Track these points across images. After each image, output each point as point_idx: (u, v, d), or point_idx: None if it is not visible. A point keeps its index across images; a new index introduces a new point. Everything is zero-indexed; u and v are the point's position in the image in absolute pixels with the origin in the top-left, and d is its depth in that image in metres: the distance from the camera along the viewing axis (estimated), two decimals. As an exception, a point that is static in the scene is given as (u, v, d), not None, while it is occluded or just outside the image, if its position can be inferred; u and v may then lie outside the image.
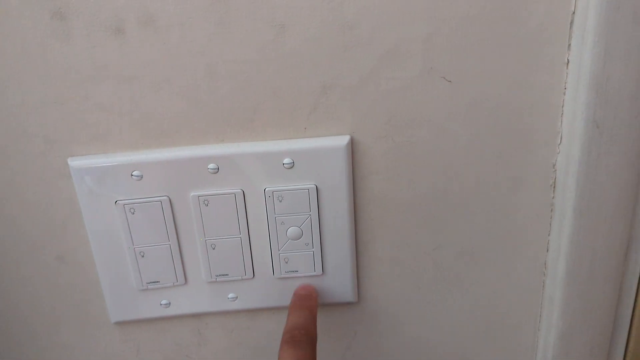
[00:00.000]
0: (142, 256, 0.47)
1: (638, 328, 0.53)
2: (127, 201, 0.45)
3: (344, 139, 0.44)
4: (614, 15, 0.40)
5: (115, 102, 0.42)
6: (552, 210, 0.49)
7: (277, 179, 0.45)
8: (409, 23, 0.41)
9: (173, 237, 0.46)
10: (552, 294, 0.51)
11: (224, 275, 0.48)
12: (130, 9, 0.40)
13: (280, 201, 0.45)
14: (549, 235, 0.50)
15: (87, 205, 0.45)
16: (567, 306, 0.50)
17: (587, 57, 0.42)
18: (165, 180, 0.44)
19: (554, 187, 0.48)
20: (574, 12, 0.42)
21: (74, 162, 0.44)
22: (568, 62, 0.44)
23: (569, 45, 0.43)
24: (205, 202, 0.45)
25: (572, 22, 0.42)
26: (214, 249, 0.47)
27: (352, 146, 0.45)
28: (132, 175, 0.44)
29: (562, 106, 0.45)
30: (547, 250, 0.50)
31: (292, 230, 0.46)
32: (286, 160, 0.44)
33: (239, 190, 0.45)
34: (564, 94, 0.45)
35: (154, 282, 0.48)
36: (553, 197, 0.48)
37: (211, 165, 0.44)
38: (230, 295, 0.49)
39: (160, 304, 0.49)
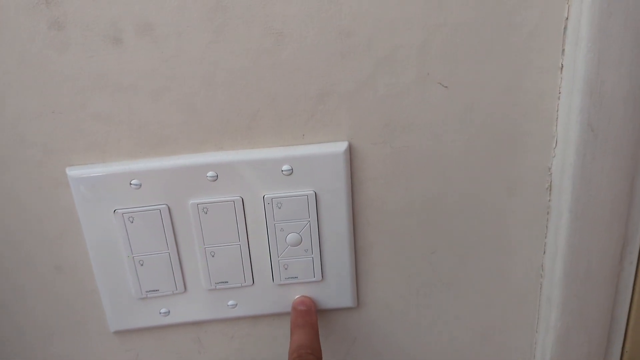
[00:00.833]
0: (142, 265, 0.47)
1: (634, 328, 0.54)
2: (125, 210, 0.45)
3: (342, 145, 0.44)
4: (607, 20, 0.40)
5: (113, 111, 0.43)
6: (548, 213, 0.49)
7: (276, 185, 0.45)
8: (404, 30, 0.42)
9: (172, 245, 0.46)
10: (549, 295, 0.51)
11: (223, 282, 0.48)
12: (128, 18, 0.40)
13: (280, 208, 0.45)
14: (545, 237, 0.50)
15: (86, 215, 0.45)
16: (565, 307, 0.50)
17: (581, 62, 0.42)
18: (164, 189, 0.44)
19: (550, 190, 0.48)
20: (567, 18, 0.43)
21: (72, 172, 0.44)
22: (562, 67, 0.44)
23: (563, 50, 0.44)
24: (205, 209, 0.45)
25: (565, 28, 0.43)
26: (213, 256, 0.47)
27: (350, 152, 0.45)
28: (130, 184, 0.44)
29: (557, 110, 0.45)
30: (544, 253, 0.51)
31: (292, 237, 0.47)
32: (285, 167, 0.44)
33: (238, 197, 0.45)
34: (559, 98, 0.45)
35: (154, 290, 0.48)
36: (549, 200, 0.49)
37: (210, 173, 0.44)
38: (230, 303, 0.49)
39: (160, 313, 0.49)
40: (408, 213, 0.48)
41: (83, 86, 0.42)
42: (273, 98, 0.43)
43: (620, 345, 0.55)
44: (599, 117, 0.43)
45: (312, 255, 0.47)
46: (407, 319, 0.52)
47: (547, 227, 0.50)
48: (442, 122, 0.45)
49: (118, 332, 0.50)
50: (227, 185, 0.45)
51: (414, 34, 0.42)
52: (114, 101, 0.42)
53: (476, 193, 0.48)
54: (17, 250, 0.47)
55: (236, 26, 0.41)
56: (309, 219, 0.46)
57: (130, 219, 0.45)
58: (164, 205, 0.45)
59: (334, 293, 0.50)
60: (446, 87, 0.44)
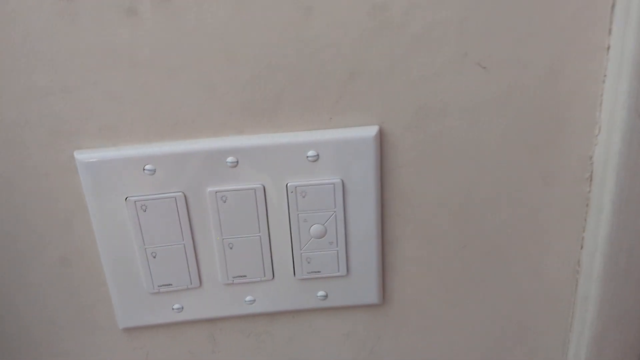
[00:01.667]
0: (154, 257, 0.44)
1: (672, 328, 0.51)
2: (138, 197, 0.41)
3: (373, 130, 0.41)
4: (664, -5, 0.37)
5: (126, 90, 0.39)
6: (587, 205, 0.46)
7: (300, 173, 0.42)
8: (442, 5, 0.39)
9: (188, 236, 0.43)
10: (586, 293, 0.48)
11: (241, 276, 0.45)
12: (144, -12, 0.37)
13: (304, 197, 0.42)
14: (583, 231, 0.47)
15: (95, 203, 0.42)
16: (602, 306, 0.48)
17: (630, 42, 0.39)
18: (180, 175, 0.41)
19: (591, 180, 0.45)
20: (616, -6, 0.39)
21: (81, 156, 0.40)
22: (609, 47, 0.41)
23: (610, 29, 0.40)
24: (223, 198, 0.42)
25: (613, 5, 0.40)
26: (231, 248, 0.44)
27: (381, 137, 0.42)
28: (144, 169, 0.41)
29: (601, 95, 0.42)
30: (582, 247, 0.48)
31: (316, 228, 0.43)
32: (310, 153, 0.41)
33: (260, 185, 0.42)
34: (604, 82, 0.42)
35: (167, 284, 0.45)
36: (589, 192, 0.46)
37: (230, 159, 0.41)
38: (248, 298, 0.46)
39: (173, 309, 0.46)
40: (440, 204, 0.45)
41: (94, 62, 0.38)
42: (299, 77, 0.40)
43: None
44: (649, 101, 0.40)
45: (337, 248, 0.44)
46: (436, 317, 0.49)
47: (585, 220, 0.47)
48: (480, 106, 0.42)
49: (127, 329, 0.47)
50: (247, 172, 0.42)
51: (452, 10, 0.39)
52: (128, 79, 0.39)
53: (512, 183, 0.45)
54: (21, 241, 0.43)
55: (261, -2, 0.37)
56: (335, 210, 0.43)
57: (143, 207, 0.42)
58: (180, 193, 0.42)
59: (359, 288, 0.46)
60: (485, 67, 0.41)
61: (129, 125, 0.40)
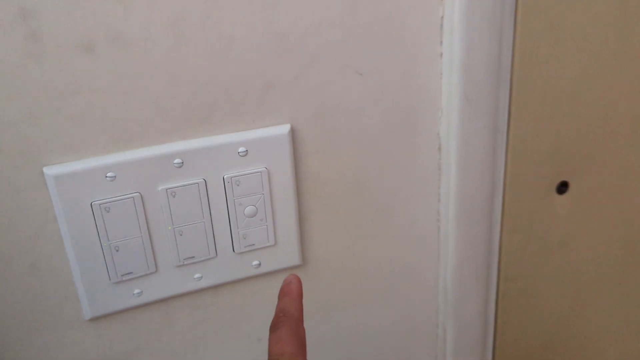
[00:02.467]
0: (117, 250, 0.52)
1: (505, 253, 0.70)
2: (102, 201, 0.50)
3: (286, 128, 0.54)
4: (472, 16, 0.55)
5: (86, 113, 0.47)
6: (440, 169, 0.63)
7: (233, 166, 0.53)
8: (328, 31, 0.52)
9: (144, 228, 0.52)
10: (446, 233, 0.65)
11: (190, 257, 0.55)
12: (99, 29, 0.45)
13: (238, 185, 0.54)
14: (439, 188, 0.64)
15: (64, 210, 0.49)
16: (458, 241, 0.65)
17: (455, 48, 0.57)
18: (137, 178, 0.50)
19: (440, 150, 0.62)
20: (442, 17, 0.57)
21: (50, 171, 0.48)
22: (441, 54, 0.58)
23: (441, 41, 0.58)
24: (173, 193, 0.52)
25: (442, 25, 0.57)
26: (181, 235, 0.54)
27: (293, 133, 0.55)
28: (106, 176, 0.49)
29: (440, 87, 0.59)
30: (439, 201, 0.65)
31: (249, 209, 0.55)
32: (241, 149, 0.53)
33: (202, 180, 0.52)
34: (441, 78, 0.59)
35: (128, 273, 0.53)
36: (440, 159, 0.63)
37: (176, 160, 0.51)
38: (196, 276, 0.56)
39: (133, 294, 0.54)
40: (339, 181, 0.59)
41: (59, 92, 0.46)
42: (227, 91, 0.51)
43: (496, 268, 0.72)
44: (472, 90, 0.58)
45: (267, 224, 0.56)
46: (343, 269, 0.63)
47: (439, 180, 0.64)
48: (361, 103, 0.56)
49: (93, 319, 0.54)
50: (191, 170, 0.52)
51: (335, 33, 0.53)
52: (87, 103, 0.47)
53: (387, 158, 0.60)
54: (-9, 253, 0.49)
55: (194, 32, 0.48)
56: (263, 192, 0.55)
57: (107, 209, 0.50)
58: (137, 193, 0.51)
59: (284, 254, 0.59)
60: (362, 74, 0.55)
61: (90, 141, 0.48)
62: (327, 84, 0.54)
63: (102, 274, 0.52)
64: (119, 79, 0.47)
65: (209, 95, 0.51)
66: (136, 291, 0.54)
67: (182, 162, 0.51)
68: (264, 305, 0.61)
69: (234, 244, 0.56)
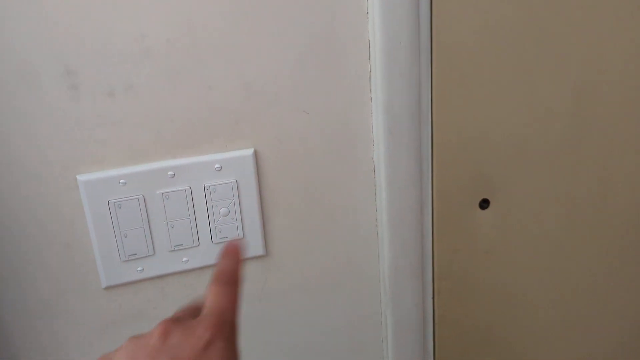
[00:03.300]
0: (125, 237, 0.72)
1: (438, 256, 0.88)
2: (116, 200, 0.70)
3: (250, 151, 0.74)
4: (392, 70, 0.74)
5: (108, 138, 0.69)
6: (375, 185, 0.82)
7: (211, 177, 0.73)
8: (282, 80, 0.73)
9: (145, 222, 0.72)
10: (382, 236, 0.83)
11: (179, 245, 0.75)
12: (118, 81, 0.67)
13: (215, 192, 0.74)
14: (375, 201, 0.83)
15: (89, 206, 0.70)
16: (391, 242, 0.83)
17: (379, 94, 0.76)
18: (141, 184, 0.71)
19: (374, 171, 0.81)
20: (370, 71, 0.76)
21: (82, 178, 0.69)
22: (371, 98, 0.78)
23: (370, 89, 0.77)
24: (167, 196, 0.72)
25: (370, 77, 0.77)
26: (172, 227, 0.74)
27: (256, 155, 0.75)
28: (119, 182, 0.70)
29: (372, 123, 0.79)
30: (376, 210, 0.83)
31: (223, 210, 0.75)
32: (217, 166, 0.73)
33: (188, 187, 0.73)
34: (372, 116, 0.79)
35: (133, 254, 0.73)
36: (374, 178, 0.81)
37: (170, 172, 0.71)
38: (184, 259, 0.76)
39: (137, 270, 0.74)
40: (293, 191, 0.78)
41: (89, 124, 0.67)
42: (207, 125, 0.72)
43: (431, 268, 0.89)
44: (394, 125, 0.77)
45: (237, 222, 0.76)
46: (297, 260, 0.82)
47: (375, 194, 0.83)
48: (308, 134, 0.76)
49: (108, 288, 0.74)
50: (181, 180, 0.72)
51: (288, 83, 0.73)
52: (109, 132, 0.68)
53: (335, 177, 0.79)
54: (39, 235, 0.70)
55: (184, 84, 0.69)
56: (233, 198, 0.75)
57: (119, 205, 0.71)
58: (141, 195, 0.71)
59: (251, 245, 0.78)
60: (308, 113, 0.75)
61: (109, 158, 0.69)
62: (282, 120, 0.74)
63: (115, 254, 0.73)
64: (132, 115, 0.69)
65: (194, 127, 0.71)
66: (139, 268, 0.74)
67: (174, 174, 0.72)
68: (236, 285, 0.80)
69: (212, 236, 0.76)
